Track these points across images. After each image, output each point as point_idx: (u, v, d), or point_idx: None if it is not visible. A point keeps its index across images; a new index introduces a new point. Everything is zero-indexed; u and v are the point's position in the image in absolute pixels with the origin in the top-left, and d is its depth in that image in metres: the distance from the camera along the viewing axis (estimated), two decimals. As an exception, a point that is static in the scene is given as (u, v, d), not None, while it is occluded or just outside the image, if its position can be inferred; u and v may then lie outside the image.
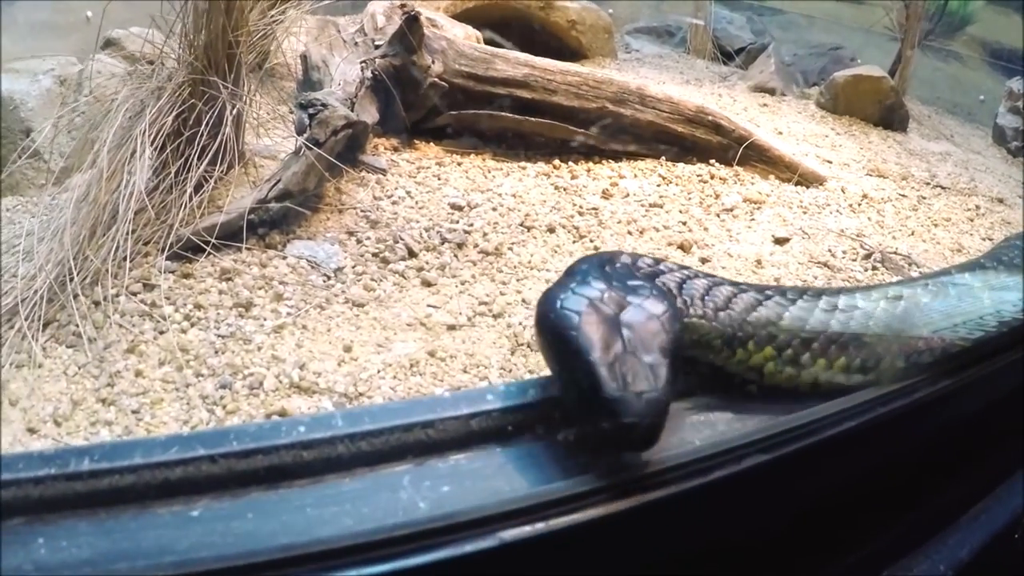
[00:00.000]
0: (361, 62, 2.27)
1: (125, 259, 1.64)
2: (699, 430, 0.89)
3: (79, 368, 1.50)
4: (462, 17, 3.24)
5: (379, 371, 1.39)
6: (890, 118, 3.83)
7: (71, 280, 1.60)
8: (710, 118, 2.65)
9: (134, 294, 1.61)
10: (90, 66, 2.34)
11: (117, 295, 1.61)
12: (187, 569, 0.74)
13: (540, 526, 0.76)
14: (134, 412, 1.37)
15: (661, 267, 0.96)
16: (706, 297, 0.94)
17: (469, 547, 0.73)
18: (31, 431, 1.41)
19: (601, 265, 0.91)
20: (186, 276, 1.64)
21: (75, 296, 1.59)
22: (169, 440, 0.87)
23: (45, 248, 1.72)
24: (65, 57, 2.41)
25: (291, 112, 2.32)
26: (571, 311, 0.80)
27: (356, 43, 2.53)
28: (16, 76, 2.33)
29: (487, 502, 0.77)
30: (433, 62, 2.36)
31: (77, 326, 1.57)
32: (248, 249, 1.69)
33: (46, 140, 2.24)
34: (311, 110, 1.78)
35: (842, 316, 0.95)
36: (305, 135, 1.77)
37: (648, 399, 0.74)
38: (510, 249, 1.86)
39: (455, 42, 2.44)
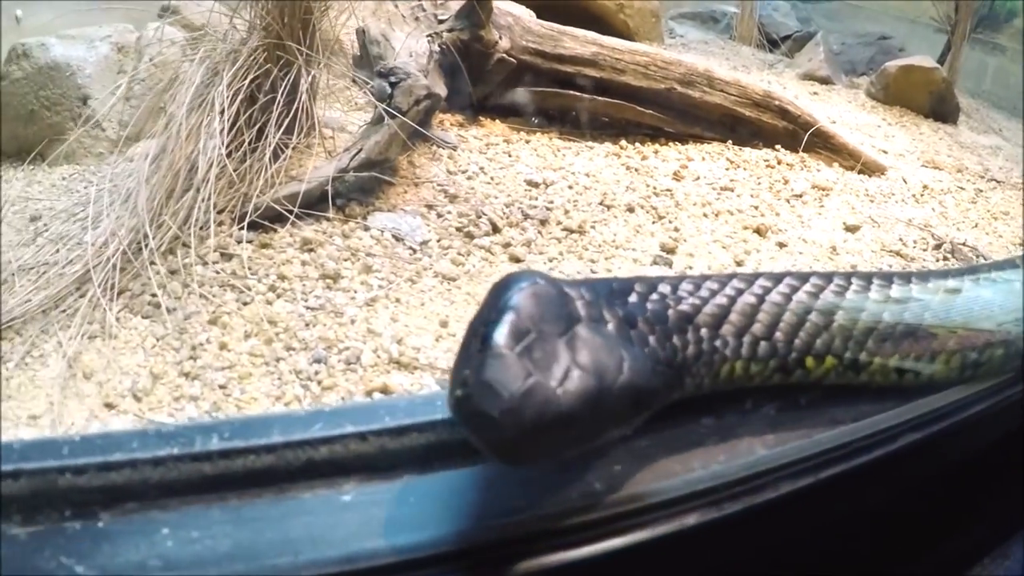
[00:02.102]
0: (428, 36, 2.20)
1: (200, 227, 1.58)
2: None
3: (158, 340, 1.43)
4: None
5: (479, 347, 1.32)
6: (941, 110, 3.75)
7: (146, 247, 1.53)
8: (777, 103, 2.58)
9: (211, 263, 1.54)
10: (148, 33, 2.27)
11: (192, 264, 1.54)
12: (358, 564, 0.66)
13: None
14: (221, 387, 1.30)
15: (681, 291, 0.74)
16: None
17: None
18: (109, 406, 1.34)
19: (616, 293, 0.70)
20: (264, 246, 1.57)
21: (150, 264, 1.52)
22: (311, 416, 0.79)
23: (115, 215, 1.66)
24: (123, 24, 2.34)
25: (354, 84, 2.25)
26: (542, 282, 0.63)
27: (417, 18, 2.46)
28: (72, 43, 2.27)
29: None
30: (500, 38, 2.28)
31: (153, 295, 1.50)
32: (328, 220, 1.62)
33: (104, 107, 2.18)
34: (393, 78, 1.71)
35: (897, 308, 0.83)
36: (387, 104, 1.69)
37: (534, 389, 0.54)
38: (592, 227, 1.80)
39: (521, 18, 2.37)
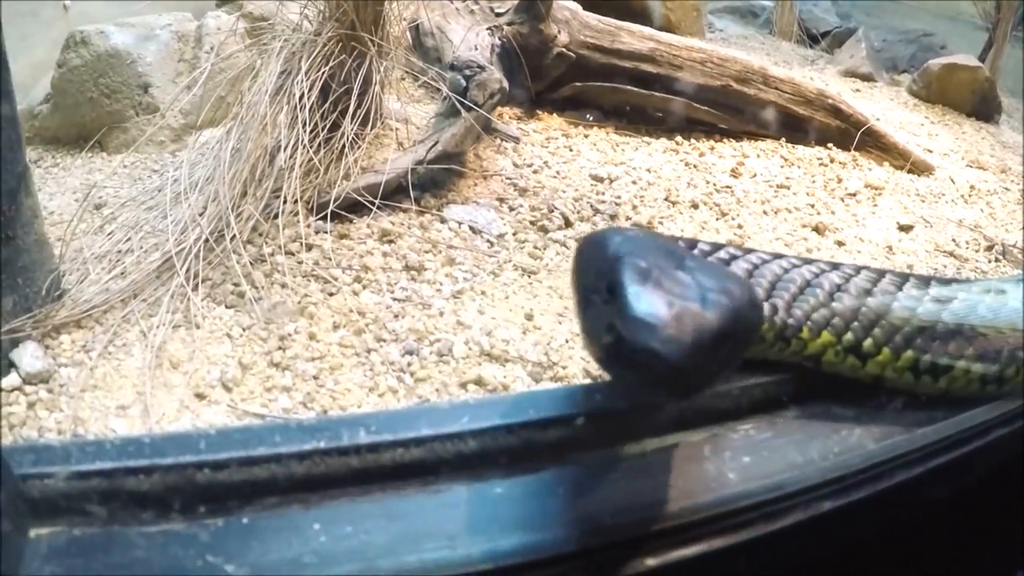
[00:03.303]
0: (488, 29, 2.20)
1: (277, 217, 1.59)
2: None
3: (244, 330, 1.44)
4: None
5: (567, 341, 1.33)
6: (983, 109, 3.73)
7: (229, 236, 1.54)
8: (830, 101, 2.58)
9: (292, 253, 1.55)
10: (209, 22, 2.28)
11: (273, 254, 1.55)
12: (521, 557, 0.66)
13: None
14: (313, 377, 1.31)
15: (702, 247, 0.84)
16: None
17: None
18: (199, 396, 1.35)
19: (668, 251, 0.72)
20: (343, 237, 1.58)
21: (233, 253, 1.53)
22: (456, 409, 0.79)
23: (190, 203, 1.67)
24: (182, 13, 2.34)
25: (409, 75, 2.26)
26: (631, 232, 0.72)
27: (472, 11, 2.45)
28: (132, 31, 2.27)
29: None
30: (559, 32, 2.28)
31: (236, 284, 1.51)
32: (403, 211, 1.63)
33: (167, 96, 2.19)
34: (467, 71, 1.71)
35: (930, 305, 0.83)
36: (463, 97, 1.70)
37: (683, 313, 0.56)
38: (660, 223, 1.80)
39: (578, 13, 2.37)
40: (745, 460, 0.79)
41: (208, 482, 0.69)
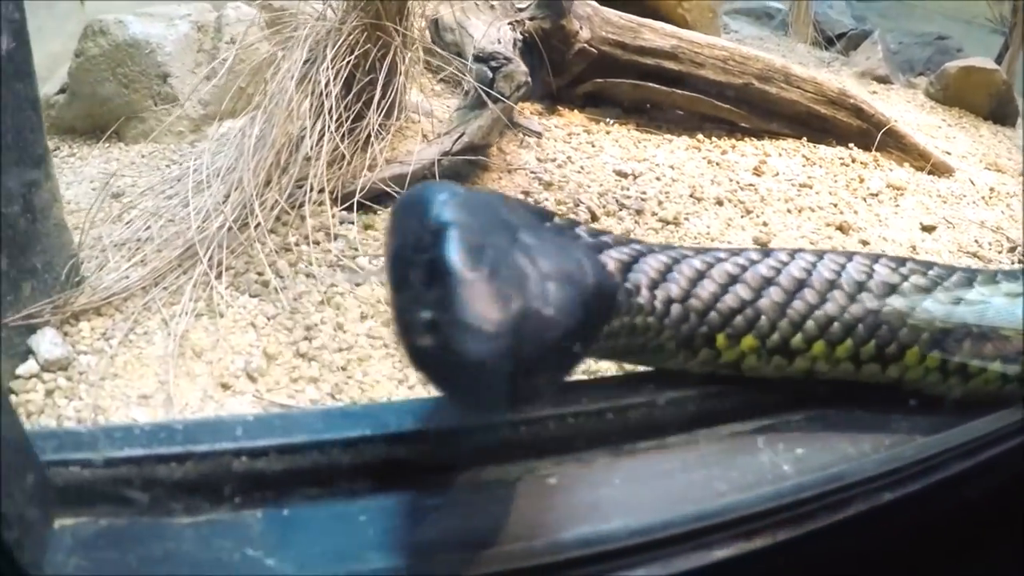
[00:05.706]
0: (509, 23, 2.18)
1: (301, 206, 1.57)
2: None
3: (268, 319, 1.42)
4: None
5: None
6: (1000, 112, 3.71)
7: (253, 225, 1.52)
8: (852, 101, 2.56)
9: (317, 243, 1.53)
10: (228, 13, 2.26)
11: (297, 243, 1.53)
12: None
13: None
14: (341, 368, 1.29)
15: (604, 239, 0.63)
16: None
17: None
18: (223, 386, 1.33)
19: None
20: (367, 227, 1.56)
21: (258, 242, 1.51)
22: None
23: (211, 193, 1.65)
24: (201, 3, 2.32)
25: (428, 70, 2.24)
26: (460, 189, 0.51)
27: (492, 6, 2.43)
28: (151, 20, 2.25)
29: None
30: (580, 28, 2.26)
31: (260, 274, 1.49)
32: (429, 204, 1.61)
33: (185, 86, 2.17)
34: (493, 63, 1.69)
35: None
36: (489, 88, 1.68)
37: (524, 315, 0.43)
38: (686, 219, 1.79)
39: (600, 9, 2.35)
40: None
41: (246, 471, 0.63)
